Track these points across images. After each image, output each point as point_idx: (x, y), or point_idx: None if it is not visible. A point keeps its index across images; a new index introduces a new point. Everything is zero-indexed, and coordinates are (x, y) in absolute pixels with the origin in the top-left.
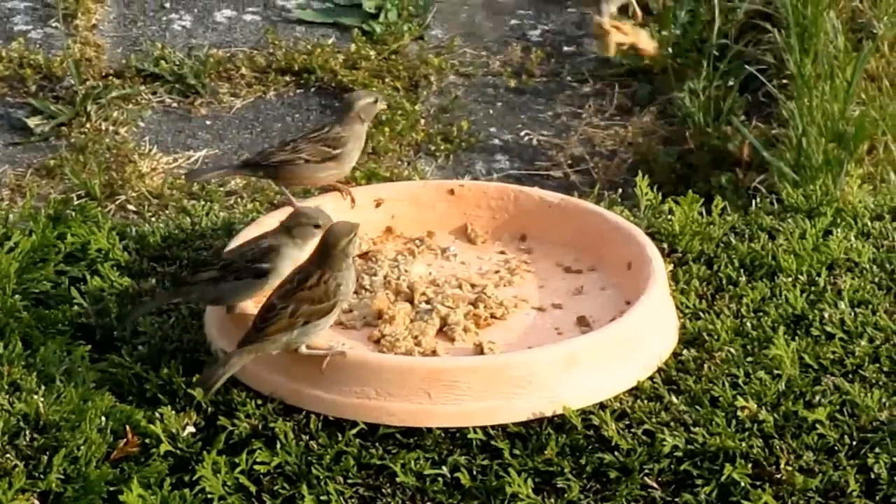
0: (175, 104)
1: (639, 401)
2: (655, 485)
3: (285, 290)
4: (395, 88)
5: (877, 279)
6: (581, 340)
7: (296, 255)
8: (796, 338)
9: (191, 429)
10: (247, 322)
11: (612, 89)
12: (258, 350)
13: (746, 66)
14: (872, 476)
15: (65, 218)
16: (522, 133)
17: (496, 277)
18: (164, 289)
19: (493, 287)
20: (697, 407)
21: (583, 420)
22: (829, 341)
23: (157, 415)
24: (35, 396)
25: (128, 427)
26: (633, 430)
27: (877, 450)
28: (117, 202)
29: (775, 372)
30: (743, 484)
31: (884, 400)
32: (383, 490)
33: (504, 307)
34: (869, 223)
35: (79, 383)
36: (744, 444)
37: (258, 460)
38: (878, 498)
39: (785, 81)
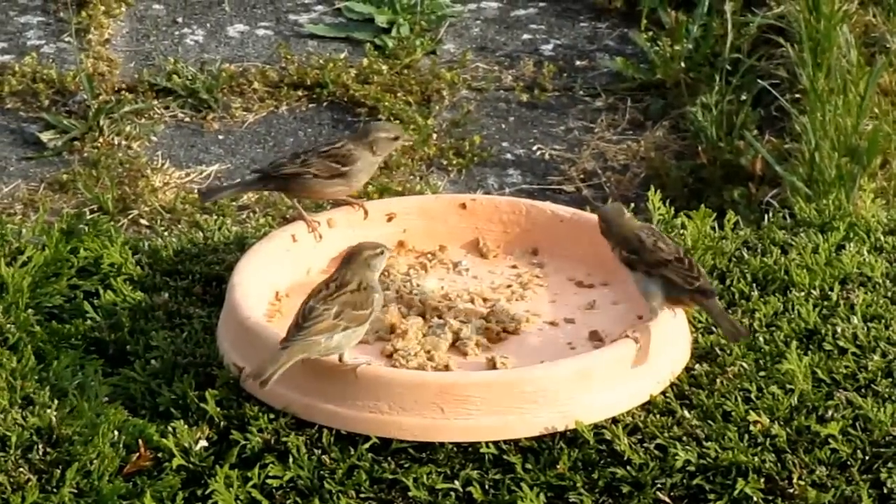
0: (187, 119)
1: (651, 415)
2: (668, 499)
3: (323, 294)
4: (408, 103)
5: (889, 294)
6: (594, 355)
7: (371, 164)
8: (809, 352)
9: (203, 443)
10: (262, 336)
11: (624, 104)
12: (303, 350)
13: (759, 81)
14: (885, 491)
15: (78, 232)
16: (535, 147)
17: (508, 292)
18: (247, 178)
19: (506, 301)
20: (710, 421)
21: (595, 434)
22: (842, 356)
23: (170, 429)
24: (48, 410)
25: (140, 441)
26: (645, 444)
27: (889, 464)
28: (130, 217)
29: (788, 386)
30: (755, 498)
31: None
32: None
33: (516, 322)
34: (882, 238)
35: (91, 397)
36: (756, 459)
37: (271, 474)
38: None
39: (798, 96)
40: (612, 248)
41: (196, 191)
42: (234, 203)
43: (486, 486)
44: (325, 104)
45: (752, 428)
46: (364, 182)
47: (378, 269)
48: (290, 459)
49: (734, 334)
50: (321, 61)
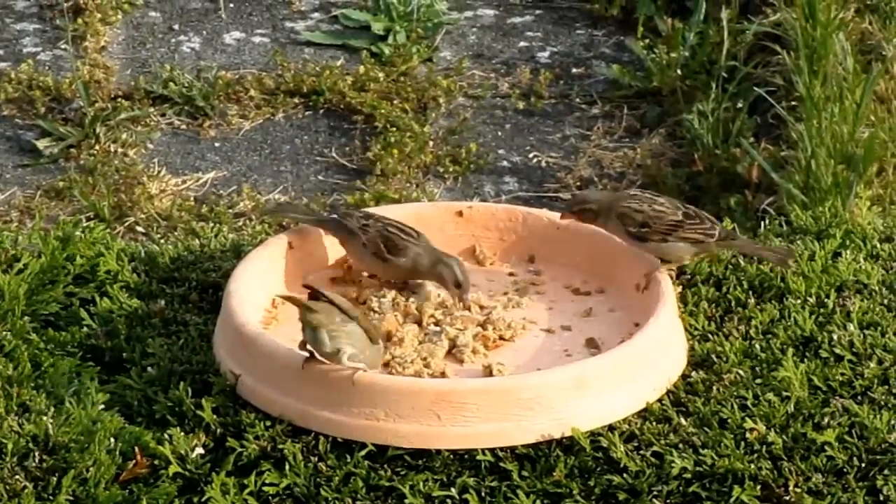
0: (184, 126)
1: (647, 422)
2: None
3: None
4: (404, 110)
5: (886, 301)
6: (590, 362)
7: (412, 271)
8: (805, 360)
9: (200, 450)
10: (259, 343)
11: (620, 111)
12: (324, 313)
13: (755, 88)
14: (881, 498)
15: (74, 239)
16: (531, 155)
17: (505, 299)
18: (310, 210)
19: (502, 309)
20: (706, 429)
21: (591, 442)
22: (838, 363)
23: (167, 436)
24: (44, 418)
25: (137, 448)
26: (641, 451)
27: (886, 472)
28: (126, 224)
29: (784, 394)
30: None
31: (893, 422)
32: None
33: (513, 329)
34: (878, 245)
35: (88, 405)
36: (752, 466)
37: (267, 482)
38: None
39: (794, 103)
40: (610, 228)
41: (265, 201)
42: (230, 210)
43: (483, 494)
44: (321, 111)
45: (748, 435)
46: (397, 279)
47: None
48: (287, 467)
49: (781, 258)
50: (317, 69)
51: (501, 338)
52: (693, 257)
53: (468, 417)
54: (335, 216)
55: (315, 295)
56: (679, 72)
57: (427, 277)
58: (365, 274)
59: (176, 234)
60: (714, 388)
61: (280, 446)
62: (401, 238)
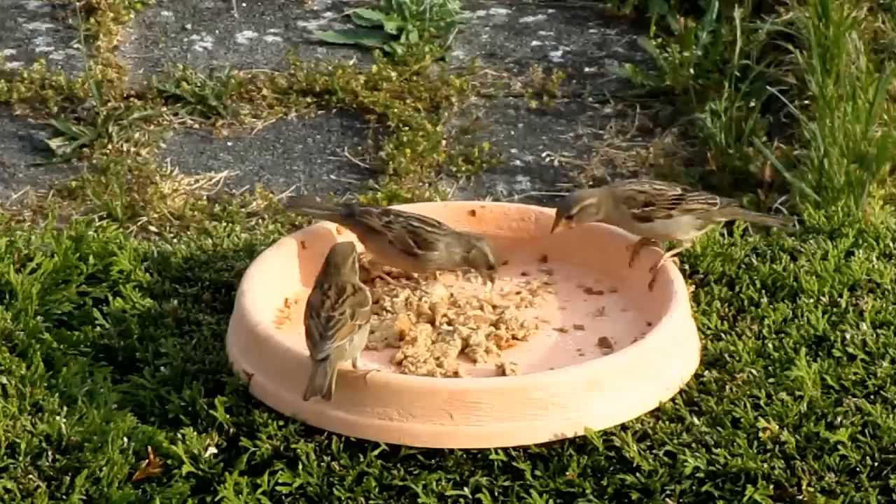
0: (196, 125)
1: (660, 422)
2: None
3: (329, 303)
4: (417, 109)
5: None
6: (603, 362)
7: (446, 262)
8: (818, 359)
9: (213, 450)
10: (271, 343)
11: (633, 110)
12: (338, 357)
13: (768, 87)
14: (894, 497)
15: (87, 239)
16: (544, 154)
17: (517, 298)
18: (336, 208)
19: (515, 308)
20: (719, 428)
21: (604, 441)
22: (851, 362)
23: (180, 436)
24: (57, 417)
25: (150, 448)
26: (654, 451)
27: None
28: (139, 223)
29: (797, 393)
30: None
31: None
32: None
33: (525, 328)
34: (891, 244)
35: (101, 404)
36: (765, 466)
37: (280, 481)
38: None
39: (807, 102)
40: (614, 218)
41: (281, 198)
42: (242, 209)
43: (496, 493)
44: (334, 111)
45: (761, 434)
46: (433, 271)
47: (357, 270)
48: (300, 466)
49: (783, 224)
50: (330, 68)
51: (514, 337)
52: (697, 232)
53: (481, 417)
54: (352, 213)
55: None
56: (692, 71)
57: (460, 266)
58: (385, 268)
59: (189, 233)
60: (727, 387)
61: (293, 446)
62: (426, 231)
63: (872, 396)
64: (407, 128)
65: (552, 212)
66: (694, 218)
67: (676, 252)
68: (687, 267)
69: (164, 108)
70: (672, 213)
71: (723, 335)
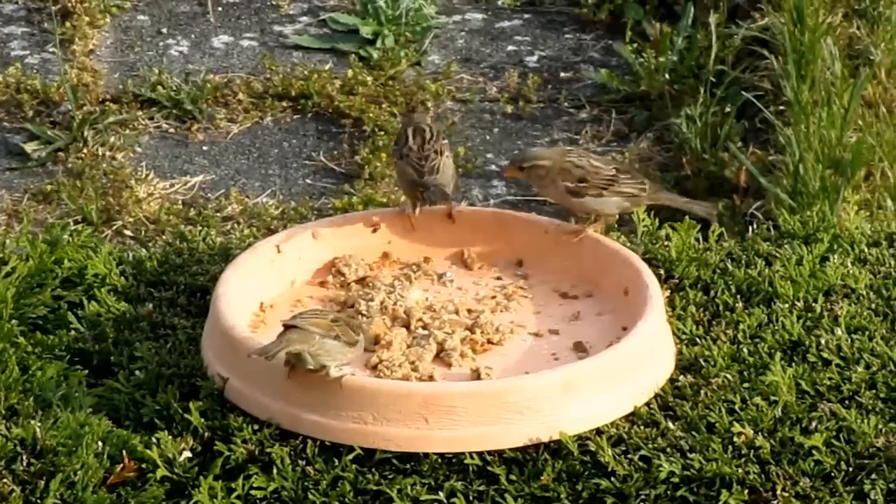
0: (172, 129)
1: (635, 426)
2: None
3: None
4: (392, 114)
5: (873, 305)
6: (578, 366)
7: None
8: (793, 364)
9: (187, 454)
10: (247, 347)
11: (609, 115)
12: (300, 340)
13: (743, 93)
14: (868, 502)
15: (62, 243)
16: None
17: (493, 303)
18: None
19: (490, 313)
20: (694, 433)
21: (579, 446)
22: (826, 367)
23: (154, 440)
24: (32, 421)
25: (125, 452)
26: (629, 455)
27: (873, 476)
28: (114, 227)
29: (772, 398)
30: None
31: (880, 426)
32: None
33: (501, 333)
34: (866, 249)
35: (76, 408)
36: (740, 471)
37: (255, 485)
38: None
39: (782, 108)
40: (548, 187)
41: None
42: (218, 214)
43: (471, 498)
44: (309, 115)
45: (735, 439)
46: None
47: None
48: (275, 470)
49: (707, 210)
50: (306, 72)
51: (489, 341)
52: (623, 211)
53: (456, 421)
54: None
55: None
56: (667, 76)
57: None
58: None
59: (164, 237)
60: (702, 392)
61: (268, 450)
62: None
63: (847, 401)
64: (382, 132)
65: (528, 216)
66: (622, 199)
67: (600, 226)
68: (662, 272)
69: (140, 113)
70: (603, 193)
71: (698, 340)
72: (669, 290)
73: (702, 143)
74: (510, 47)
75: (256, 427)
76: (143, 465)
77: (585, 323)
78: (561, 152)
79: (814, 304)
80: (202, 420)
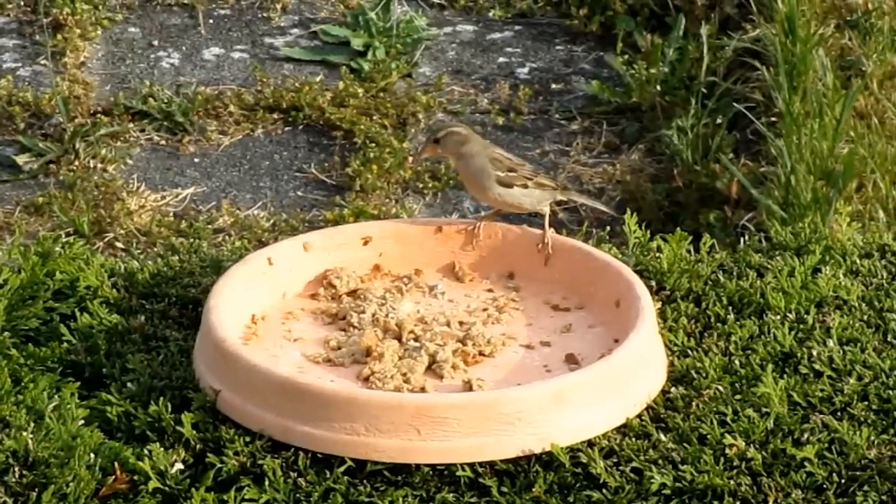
0: (163, 141)
1: (627, 438)
2: None
3: None
4: (383, 126)
5: (865, 317)
6: (570, 378)
7: None
8: (785, 375)
9: (179, 466)
10: (239, 359)
11: (600, 127)
12: None
13: (735, 104)
14: None
15: (54, 255)
16: None
17: (484, 315)
18: None
19: (482, 325)
20: (685, 444)
21: (571, 457)
22: (818, 379)
23: (146, 452)
24: (24, 433)
25: (116, 464)
26: (621, 467)
27: (865, 488)
28: (106, 239)
29: (763, 410)
30: None
31: (872, 438)
32: None
33: (492, 345)
34: (858, 261)
35: (68, 420)
36: (732, 482)
37: (246, 497)
38: None
39: (773, 119)
40: (478, 172)
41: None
42: (209, 226)
43: None
44: (300, 127)
45: (727, 451)
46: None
47: None
48: (266, 482)
49: (607, 205)
50: (297, 84)
51: (481, 353)
52: (543, 208)
53: (448, 432)
54: None
55: None
56: (658, 87)
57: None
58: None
59: (155, 249)
60: (693, 403)
61: (260, 462)
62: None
63: (839, 413)
64: (374, 144)
65: (519, 228)
66: (542, 192)
67: (548, 223)
68: (654, 283)
69: (131, 125)
70: (528, 185)
71: (689, 351)
72: (661, 302)
73: (693, 154)
74: (501, 59)
75: (248, 439)
76: (135, 477)
77: (577, 335)
78: (482, 142)
79: (805, 316)
80: (194, 432)
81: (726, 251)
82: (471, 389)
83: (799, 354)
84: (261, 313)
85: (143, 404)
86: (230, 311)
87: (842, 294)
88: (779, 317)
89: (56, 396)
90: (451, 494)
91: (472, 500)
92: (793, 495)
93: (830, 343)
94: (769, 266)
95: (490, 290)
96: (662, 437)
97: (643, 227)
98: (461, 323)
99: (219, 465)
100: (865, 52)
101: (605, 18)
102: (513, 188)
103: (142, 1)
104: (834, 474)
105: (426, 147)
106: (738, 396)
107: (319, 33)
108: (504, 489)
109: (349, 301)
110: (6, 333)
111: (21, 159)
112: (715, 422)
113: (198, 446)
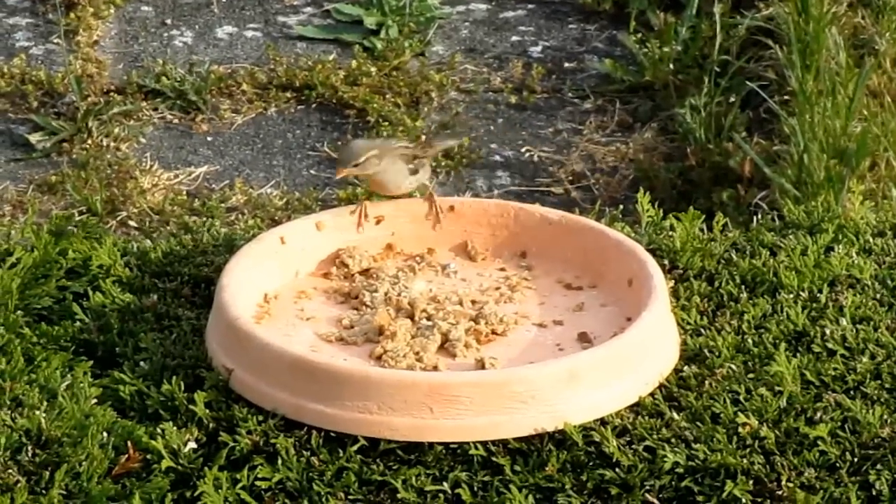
0: (176, 120)
1: (640, 417)
2: (656, 501)
3: None
4: (396, 105)
5: (878, 296)
6: (582, 356)
7: None
8: (798, 354)
9: (192, 444)
10: (251, 338)
11: (613, 105)
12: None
13: (748, 83)
14: (874, 493)
15: (66, 234)
16: (523, 149)
17: (497, 294)
18: None
19: (494, 303)
20: (698, 423)
21: (584, 436)
22: (831, 358)
23: (159, 431)
24: (37, 412)
25: (129, 443)
26: (633, 446)
27: (878, 466)
28: (118, 218)
29: (776, 388)
30: (744, 500)
31: (885, 416)
32: None
33: (505, 323)
34: (871, 239)
35: (81, 399)
36: (745, 461)
37: (259, 476)
38: None
39: (786, 98)
40: (390, 172)
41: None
42: (222, 204)
43: (475, 488)
44: (313, 106)
45: (740, 430)
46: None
47: None
48: (279, 461)
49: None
50: (310, 63)
51: (494, 332)
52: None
53: (461, 410)
54: None
55: None
56: (671, 66)
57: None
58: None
59: (168, 228)
60: (706, 382)
61: (273, 441)
62: None
63: (852, 392)
64: (386, 123)
65: (532, 207)
66: (427, 163)
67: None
68: (666, 262)
69: (144, 103)
70: (424, 164)
71: (702, 330)
72: (673, 281)
73: (706, 133)
74: (514, 37)
75: (261, 418)
76: (148, 456)
77: (589, 313)
78: (381, 145)
79: (818, 295)
80: (207, 411)
81: (739, 230)
82: (483, 368)
83: (812, 333)
84: (273, 292)
85: (155, 383)
86: (243, 290)
87: (855, 273)
88: (792, 295)
89: (69, 375)
90: (464, 473)
91: (485, 478)
92: (806, 474)
93: (843, 322)
94: (782, 245)
95: (503, 269)
96: (675, 415)
97: (656, 206)
98: (474, 302)
99: (232, 444)
100: (878, 31)
101: None
102: (419, 173)
103: None
104: (847, 453)
105: (343, 170)
106: (750, 375)
107: (332, 12)
108: (517, 468)
109: (362, 280)
110: (19, 312)
111: (34, 138)
112: (728, 400)
113: (210, 425)
